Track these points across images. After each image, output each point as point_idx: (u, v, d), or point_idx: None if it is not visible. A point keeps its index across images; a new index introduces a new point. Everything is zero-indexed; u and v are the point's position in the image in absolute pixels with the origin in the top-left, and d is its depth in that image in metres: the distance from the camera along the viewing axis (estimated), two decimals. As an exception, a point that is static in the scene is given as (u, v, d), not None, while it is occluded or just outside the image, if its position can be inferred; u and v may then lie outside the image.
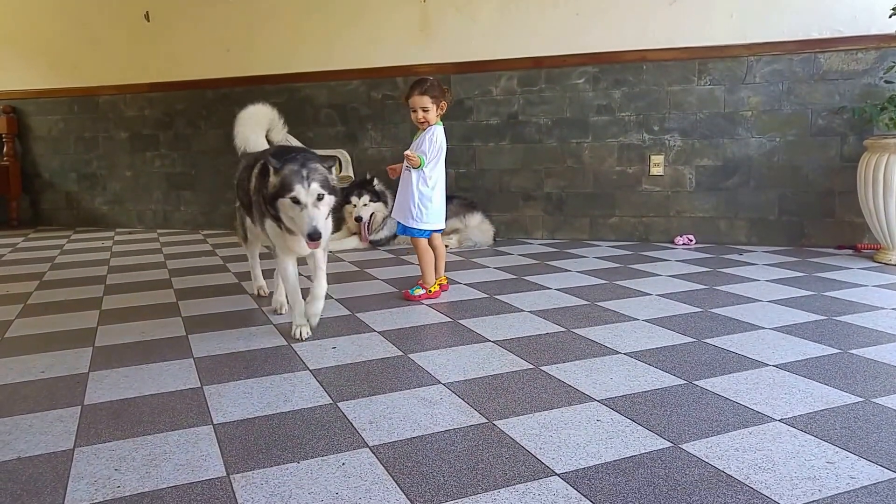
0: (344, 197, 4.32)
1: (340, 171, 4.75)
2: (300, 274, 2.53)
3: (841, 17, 3.80)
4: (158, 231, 5.28)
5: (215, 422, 1.73)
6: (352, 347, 2.30)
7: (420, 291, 2.93)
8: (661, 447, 1.54)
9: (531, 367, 2.08)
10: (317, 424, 1.71)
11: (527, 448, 1.55)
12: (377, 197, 4.27)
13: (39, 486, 1.45)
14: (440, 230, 3.02)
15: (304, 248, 2.31)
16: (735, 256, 3.78)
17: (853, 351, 2.16)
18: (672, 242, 4.23)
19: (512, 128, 4.51)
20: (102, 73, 5.36)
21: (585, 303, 2.82)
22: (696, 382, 1.92)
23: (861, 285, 3.04)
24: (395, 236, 4.27)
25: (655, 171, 4.25)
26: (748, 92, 4.03)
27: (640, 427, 1.65)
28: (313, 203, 2.13)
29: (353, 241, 4.29)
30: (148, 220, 5.47)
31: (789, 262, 3.58)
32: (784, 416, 1.69)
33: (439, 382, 1.97)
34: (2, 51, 5.60)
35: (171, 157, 5.34)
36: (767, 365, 2.05)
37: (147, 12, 5.21)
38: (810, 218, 4.02)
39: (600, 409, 1.75)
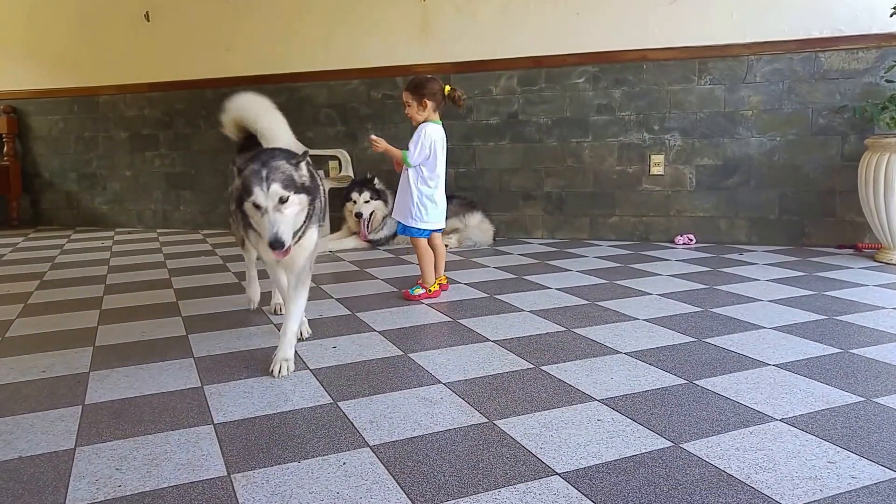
0: (345, 195, 4.33)
1: (340, 170, 4.75)
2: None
3: (841, 16, 3.80)
4: (158, 231, 5.28)
5: (216, 421, 1.73)
6: (352, 347, 2.30)
7: (420, 291, 2.93)
8: (661, 447, 1.54)
9: (531, 366, 2.08)
10: (317, 424, 1.71)
11: (527, 448, 1.55)
12: (377, 195, 4.27)
13: (41, 485, 1.45)
14: (440, 230, 3.02)
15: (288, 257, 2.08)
16: (735, 256, 3.77)
17: (854, 350, 2.15)
18: (672, 242, 4.23)
19: (512, 127, 4.51)
20: (102, 73, 5.36)
21: (586, 302, 2.82)
22: (696, 382, 1.92)
23: (862, 285, 3.04)
24: (394, 236, 4.27)
25: (656, 170, 4.25)
26: (748, 91, 4.03)
27: (640, 427, 1.64)
28: (274, 207, 1.89)
29: (353, 241, 4.29)
30: (148, 219, 5.47)
31: (790, 262, 3.58)
32: (785, 416, 1.68)
33: (440, 382, 1.96)
34: (2, 51, 5.60)
35: (171, 156, 5.34)
36: (768, 364, 2.05)
37: (147, 12, 5.20)
38: (811, 217, 4.01)
39: (601, 409, 1.75)
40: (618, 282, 3.18)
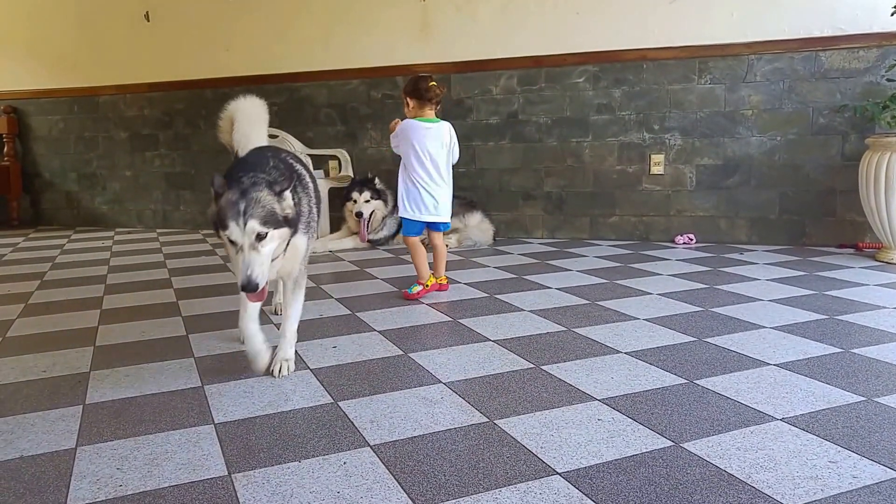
0: (345, 194, 4.33)
1: (340, 170, 4.75)
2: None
3: (842, 15, 3.80)
4: (158, 231, 5.28)
5: (216, 421, 1.73)
6: (352, 347, 2.30)
7: (417, 288, 2.93)
8: (662, 446, 1.54)
9: (532, 366, 2.08)
10: (318, 424, 1.71)
11: (528, 447, 1.55)
12: (378, 195, 4.27)
13: (42, 484, 1.45)
14: (437, 226, 3.03)
15: (276, 265, 1.94)
16: (736, 255, 3.77)
17: (855, 350, 2.15)
18: (672, 242, 4.22)
19: (512, 127, 4.51)
20: (102, 73, 5.36)
21: (586, 302, 2.81)
22: (697, 381, 1.92)
23: (862, 284, 3.04)
24: (394, 235, 4.28)
25: (656, 170, 4.25)
26: (749, 90, 4.02)
27: (641, 426, 1.64)
28: (250, 245, 1.73)
29: (353, 241, 4.29)
30: (147, 219, 5.47)
31: (790, 262, 3.58)
32: (786, 416, 1.68)
33: (440, 382, 1.96)
34: (2, 51, 5.60)
35: (171, 156, 5.34)
36: (769, 364, 2.05)
37: (147, 12, 5.20)
38: (811, 217, 4.01)
39: (601, 409, 1.75)
40: (618, 281, 3.18)
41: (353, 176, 4.62)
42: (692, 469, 1.44)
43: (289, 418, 1.75)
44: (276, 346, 2.11)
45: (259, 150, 2.14)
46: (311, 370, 2.09)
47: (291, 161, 2.12)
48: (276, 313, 2.71)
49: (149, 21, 5.22)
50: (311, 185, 2.13)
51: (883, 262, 3.51)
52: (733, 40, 3.99)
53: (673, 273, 3.34)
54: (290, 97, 4.86)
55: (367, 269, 3.61)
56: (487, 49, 4.45)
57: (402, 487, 1.39)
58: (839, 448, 1.51)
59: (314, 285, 3.24)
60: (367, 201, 4.23)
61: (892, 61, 3.64)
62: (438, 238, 3.06)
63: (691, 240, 4.20)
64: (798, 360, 2.07)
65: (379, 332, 2.47)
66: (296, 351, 2.16)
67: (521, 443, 1.57)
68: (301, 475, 1.46)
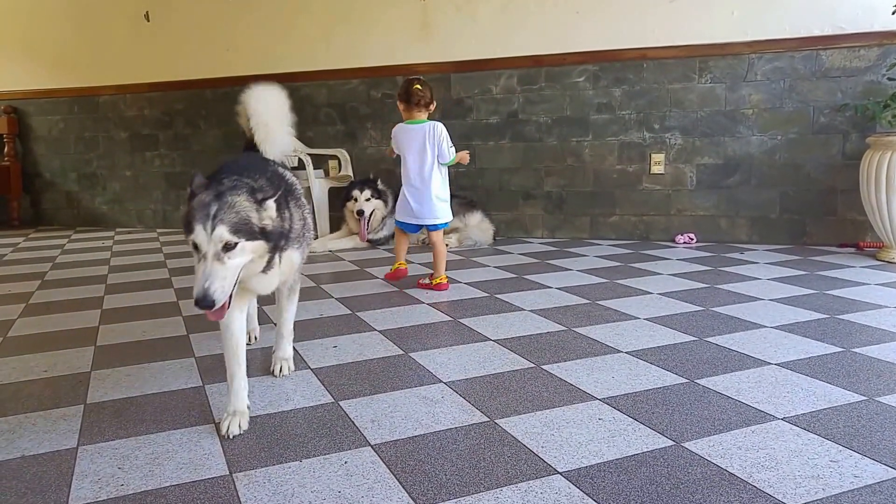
0: (345, 193, 4.33)
1: (339, 170, 4.75)
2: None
3: (843, 14, 3.79)
4: (158, 230, 5.28)
5: (217, 421, 1.73)
6: (353, 346, 2.30)
7: (389, 271, 3.23)
8: (663, 446, 1.54)
9: (532, 365, 2.08)
10: (319, 423, 1.71)
11: (529, 447, 1.55)
12: (378, 195, 4.28)
13: (44, 484, 1.45)
14: (405, 224, 3.17)
15: (259, 283, 1.73)
16: (736, 255, 3.77)
17: (856, 349, 2.15)
18: (673, 241, 4.22)
19: (512, 126, 4.51)
20: (102, 73, 5.36)
21: (586, 301, 2.81)
22: (697, 381, 1.92)
23: (863, 284, 3.03)
24: (393, 236, 4.27)
25: (656, 169, 4.25)
26: (749, 90, 4.02)
27: (642, 426, 1.64)
28: (215, 254, 1.50)
29: (353, 241, 4.29)
30: (148, 219, 5.47)
31: (791, 261, 3.58)
32: (787, 415, 1.68)
33: (440, 381, 1.96)
34: (2, 51, 5.60)
35: (171, 156, 5.34)
36: (770, 363, 2.05)
37: (147, 12, 5.20)
38: (812, 216, 4.01)
39: (602, 408, 1.75)
40: (618, 281, 3.18)
41: (352, 175, 4.62)
42: (693, 468, 1.44)
43: (289, 418, 1.74)
44: (273, 346, 2.11)
45: (252, 155, 2.00)
46: (311, 370, 2.09)
47: (283, 171, 1.94)
48: (251, 341, 2.35)
49: (149, 21, 5.22)
50: (302, 207, 1.89)
51: (884, 261, 3.51)
52: (734, 39, 3.99)
53: (673, 272, 3.34)
54: (289, 97, 4.79)
55: (367, 269, 3.61)
56: (487, 48, 4.45)
57: (403, 487, 1.39)
58: (840, 447, 1.51)
59: (314, 285, 3.24)
60: (368, 200, 4.23)
61: (893, 60, 3.64)
62: (436, 236, 3.10)
63: (692, 239, 4.20)
64: (799, 360, 2.07)
65: (379, 331, 2.47)
66: (296, 351, 2.16)
67: (521, 442, 1.57)
68: (302, 475, 1.46)
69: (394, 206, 4.07)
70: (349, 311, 2.75)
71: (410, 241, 4.27)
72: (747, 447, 1.52)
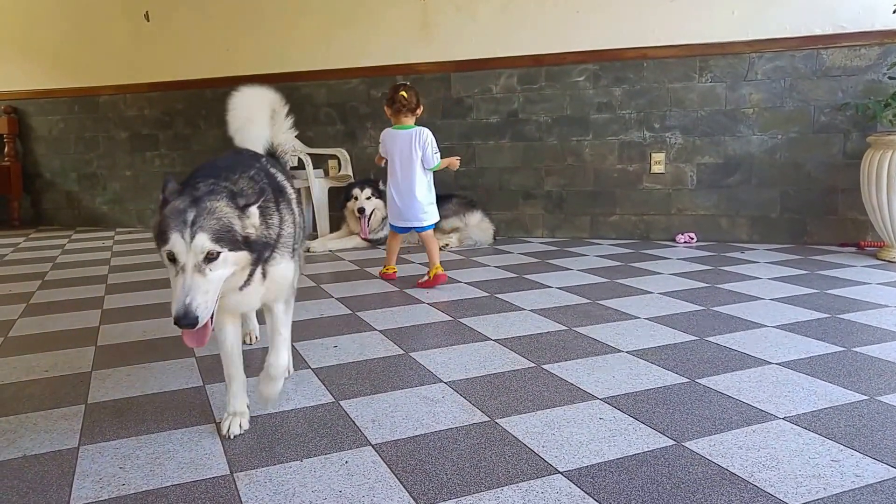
0: (346, 193, 4.34)
1: (339, 169, 4.75)
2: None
3: (843, 13, 3.79)
4: (159, 230, 5.28)
5: (218, 420, 1.73)
6: (353, 346, 2.30)
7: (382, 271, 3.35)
8: (664, 445, 1.54)
9: (533, 365, 2.08)
10: (319, 423, 1.71)
11: (529, 446, 1.55)
12: (379, 194, 4.28)
13: (45, 483, 1.45)
14: (395, 227, 3.27)
15: (239, 301, 1.58)
16: (737, 254, 3.77)
17: (857, 349, 2.15)
18: (673, 240, 4.22)
19: (512, 126, 4.51)
20: (102, 73, 5.36)
21: (587, 301, 2.81)
22: (698, 380, 1.92)
23: (864, 283, 3.03)
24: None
25: (656, 168, 4.25)
26: (750, 89, 4.02)
27: (642, 425, 1.64)
28: (195, 265, 1.36)
29: (353, 240, 4.29)
30: (148, 219, 5.46)
31: (792, 260, 3.58)
32: (788, 414, 1.68)
33: (441, 381, 1.96)
34: (2, 51, 5.60)
35: (171, 156, 5.34)
36: (770, 363, 2.05)
37: (147, 12, 5.20)
38: (813, 215, 4.01)
39: (603, 408, 1.75)
40: (619, 280, 3.18)
41: (352, 175, 4.62)
42: (694, 468, 1.44)
43: (290, 417, 1.75)
44: (268, 350, 1.87)
45: (235, 154, 1.78)
46: (312, 370, 2.09)
47: (274, 171, 1.75)
48: (250, 342, 2.34)
49: (149, 21, 5.21)
50: (294, 210, 1.72)
51: (884, 260, 3.51)
52: (734, 38, 3.99)
53: (674, 272, 3.34)
54: (289, 96, 4.75)
55: (367, 269, 3.61)
56: (487, 48, 4.45)
57: (403, 486, 1.39)
58: (841, 447, 1.51)
59: (314, 285, 3.24)
60: (369, 198, 4.25)
61: (894, 59, 3.63)
62: (426, 234, 3.20)
63: (692, 239, 4.20)
64: (800, 359, 2.07)
65: (380, 331, 2.47)
66: (297, 351, 2.16)
67: (522, 442, 1.57)
68: (303, 474, 1.46)
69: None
70: (349, 311, 2.75)
71: (410, 241, 4.30)
72: (748, 447, 1.52)
